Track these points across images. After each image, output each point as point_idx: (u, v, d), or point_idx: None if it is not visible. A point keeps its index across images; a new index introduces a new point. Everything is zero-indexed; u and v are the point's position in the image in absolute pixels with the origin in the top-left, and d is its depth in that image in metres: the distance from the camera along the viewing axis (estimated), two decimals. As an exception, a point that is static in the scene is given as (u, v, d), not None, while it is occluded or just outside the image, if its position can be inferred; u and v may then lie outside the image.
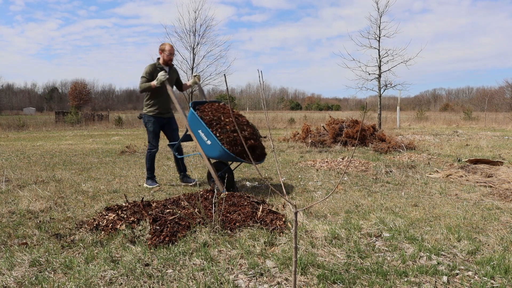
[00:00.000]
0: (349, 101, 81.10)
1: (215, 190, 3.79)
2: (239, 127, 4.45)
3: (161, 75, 4.64)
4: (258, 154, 4.45)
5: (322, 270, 2.37)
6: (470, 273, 2.37)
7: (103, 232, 3.03)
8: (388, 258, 2.58)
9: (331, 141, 9.80)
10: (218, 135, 4.24)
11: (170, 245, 2.80)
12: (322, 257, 2.60)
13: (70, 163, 7.12)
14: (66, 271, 2.40)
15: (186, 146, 9.31)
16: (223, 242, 2.83)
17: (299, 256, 2.58)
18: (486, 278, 2.28)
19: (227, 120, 4.43)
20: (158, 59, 4.99)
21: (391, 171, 5.80)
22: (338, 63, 57.62)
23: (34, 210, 3.72)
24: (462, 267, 2.44)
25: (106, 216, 3.24)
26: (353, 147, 9.30)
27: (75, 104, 51.95)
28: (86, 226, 3.18)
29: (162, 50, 4.93)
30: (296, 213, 1.52)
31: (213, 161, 4.61)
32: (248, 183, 5.23)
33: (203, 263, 2.49)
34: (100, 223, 3.16)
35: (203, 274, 2.34)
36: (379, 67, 16.62)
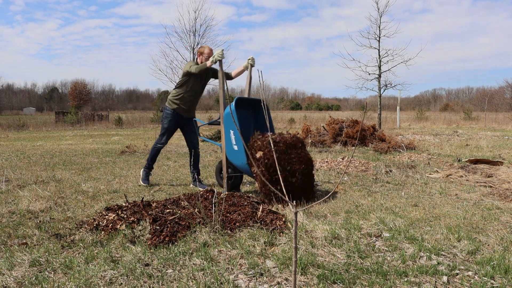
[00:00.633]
0: (349, 101, 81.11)
1: (215, 190, 3.79)
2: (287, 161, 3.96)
3: (218, 54, 4.41)
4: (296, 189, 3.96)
5: (322, 270, 2.37)
6: (470, 273, 2.37)
7: (103, 232, 3.03)
8: (388, 258, 2.58)
9: (331, 141, 9.80)
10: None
11: (170, 245, 2.80)
12: (322, 257, 2.60)
13: (70, 163, 7.12)
14: (66, 271, 2.40)
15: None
16: (223, 242, 2.83)
17: (299, 256, 2.58)
18: (486, 278, 2.28)
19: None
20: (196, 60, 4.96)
21: (391, 171, 5.80)
22: (338, 63, 57.62)
23: (34, 210, 3.72)
24: (462, 267, 2.44)
25: (106, 216, 3.24)
26: (353, 147, 9.30)
27: (75, 104, 51.96)
28: (86, 226, 3.18)
29: (201, 53, 4.89)
30: (296, 213, 1.52)
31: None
32: (248, 183, 5.23)
33: (203, 263, 2.49)
34: (100, 223, 3.16)
35: (203, 274, 2.34)
36: (379, 67, 16.63)
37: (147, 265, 2.48)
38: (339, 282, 2.24)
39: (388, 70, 16.64)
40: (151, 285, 2.21)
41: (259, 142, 4.02)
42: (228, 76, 4.96)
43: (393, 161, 7.09)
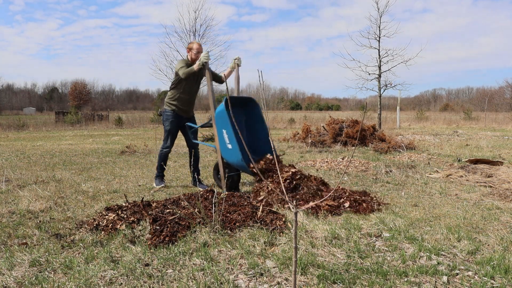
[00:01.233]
0: (349, 101, 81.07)
1: (215, 190, 3.79)
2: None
3: (204, 56, 4.43)
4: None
5: (322, 270, 2.37)
6: (470, 273, 2.37)
7: (103, 232, 3.03)
8: (388, 258, 2.58)
9: (331, 141, 9.80)
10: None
11: (170, 245, 2.80)
12: (322, 257, 2.60)
13: (70, 163, 7.12)
14: (66, 271, 2.40)
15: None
16: (223, 242, 2.83)
17: (299, 256, 2.58)
18: (486, 278, 2.28)
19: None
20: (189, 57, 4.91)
21: (391, 171, 5.80)
22: (338, 63, 57.52)
23: (34, 210, 3.72)
24: (462, 267, 2.44)
25: (106, 216, 3.24)
26: (353, 147, 9.30)
27: (75, 104, 51.97)
28: (86, 226, 3.18)
29: (190, 49, 4.89)
30: (296, 213, 1.52)
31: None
32: (248, 183, 5.23)
33: (203, 263, 2.49)
34: (100, 223, 3.16)
35: (203, 274, 2.34)
36: (379, 67, 16.62)
37: (147, 265, 2.48)
38: (339, 282, 2.24)
39: (388, 70, 16.64)
40: (151, 285, 2.21)
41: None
42: (220, 80, 4.99)
43: (393, 161, 7.09)
